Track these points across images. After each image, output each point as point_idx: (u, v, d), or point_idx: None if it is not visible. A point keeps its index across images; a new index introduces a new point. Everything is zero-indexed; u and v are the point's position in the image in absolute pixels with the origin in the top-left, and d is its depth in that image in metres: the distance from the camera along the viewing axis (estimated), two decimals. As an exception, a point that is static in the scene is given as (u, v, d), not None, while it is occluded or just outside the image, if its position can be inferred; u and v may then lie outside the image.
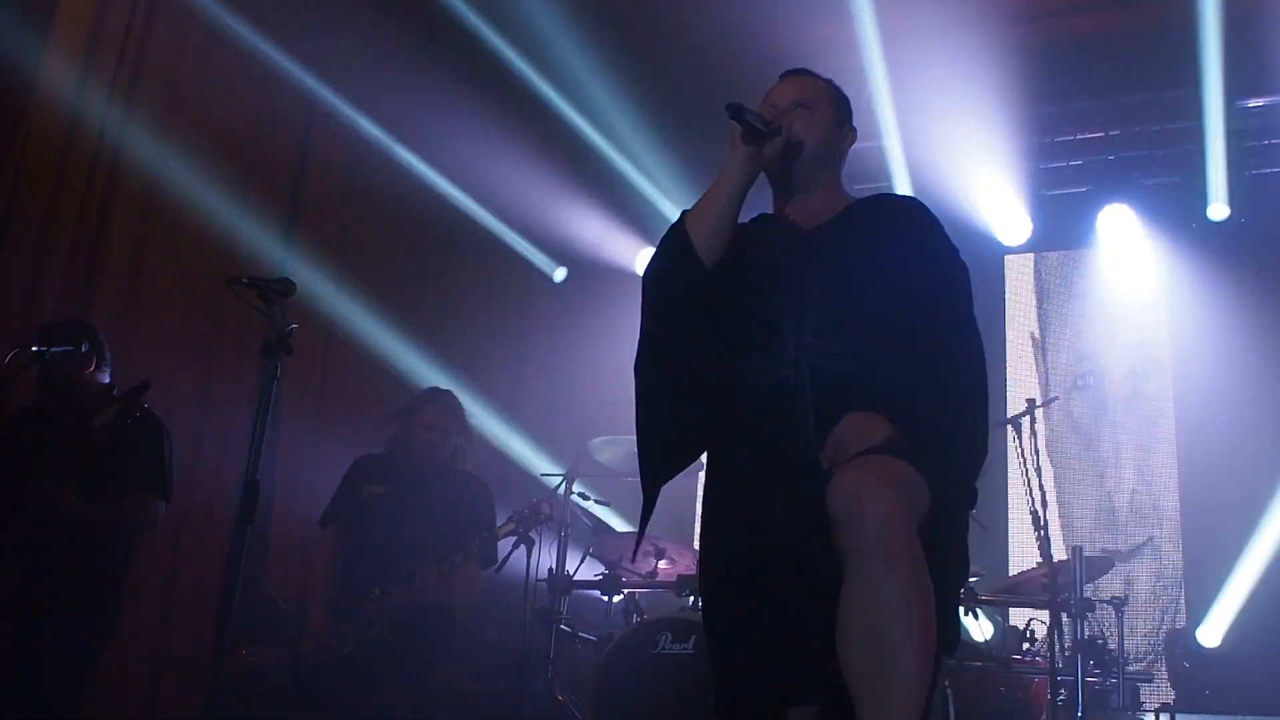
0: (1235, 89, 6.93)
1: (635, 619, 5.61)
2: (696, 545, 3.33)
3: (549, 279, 8.69)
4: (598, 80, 7.04)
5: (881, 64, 6.97)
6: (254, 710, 5.04)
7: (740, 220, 2.77)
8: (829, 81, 2.89)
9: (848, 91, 2.92)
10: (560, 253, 8.62)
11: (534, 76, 7.16)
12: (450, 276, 7.68)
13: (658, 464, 2.64)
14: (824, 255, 2.64)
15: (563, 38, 6.75)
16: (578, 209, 7.95)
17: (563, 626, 5.73)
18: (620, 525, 6.89)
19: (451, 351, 7.01)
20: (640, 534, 2.75)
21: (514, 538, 5.11)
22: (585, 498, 5.97)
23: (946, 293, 2.59)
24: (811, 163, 2.74)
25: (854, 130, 2.88)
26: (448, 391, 5.19)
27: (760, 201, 2.84)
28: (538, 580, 5.65)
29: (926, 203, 2.75)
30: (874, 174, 7.54)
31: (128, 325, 5.50)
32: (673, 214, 2.83)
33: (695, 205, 2.69)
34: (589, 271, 8.64)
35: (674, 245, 2.65)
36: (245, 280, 3.28)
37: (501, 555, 5.16)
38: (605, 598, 5.80)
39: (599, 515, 6.28)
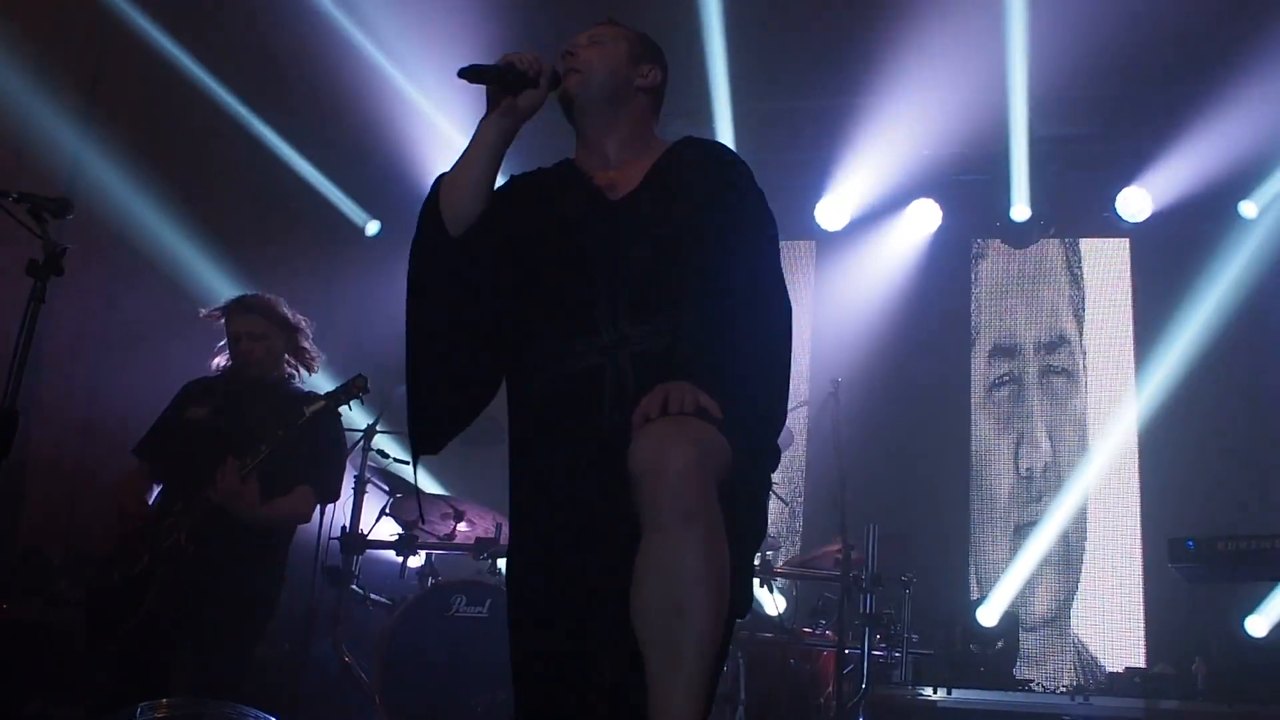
0: (1043, 93, 7.17)
1: (430, 581, 5.50)
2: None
3: (360, 231, 8.45)
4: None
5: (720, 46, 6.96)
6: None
7: (543, 166, 2.70)
8: (635, 30, 2.77)
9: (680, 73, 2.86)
10: (375, 205, 8.38)
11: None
12: (258, 206, 7.37)
13: (421, 435, 2.55)
14: (634, 230, 2.52)
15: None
16: (394, 160, 7.68)
17: (354, 587, 5.57)
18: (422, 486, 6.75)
19: (256, 278, 6.73)
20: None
21: (321, 410, 4.18)
22: (385, 455, 5.80)
23: (750, 249, 2.50)
24: (601, 101, 2.64)
25: (656, 69, 2.72)
26: (255, 295, 4.53)
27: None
28: (330, 538, 5.47)
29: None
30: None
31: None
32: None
33: (451, 168, 2.59)
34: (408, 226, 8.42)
35: (424, 213, 2.56)
36: (14, 196, 3.06)
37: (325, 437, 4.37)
38: (400, 559, 5.66)
39: (399, 474, 6.09)
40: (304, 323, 4.53)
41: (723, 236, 2.48)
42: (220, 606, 4.08)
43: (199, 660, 4.11)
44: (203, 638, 4.09)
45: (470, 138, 2.59)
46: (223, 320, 4.46)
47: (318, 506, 4.50)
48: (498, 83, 2.53)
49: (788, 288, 2.54)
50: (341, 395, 4.15)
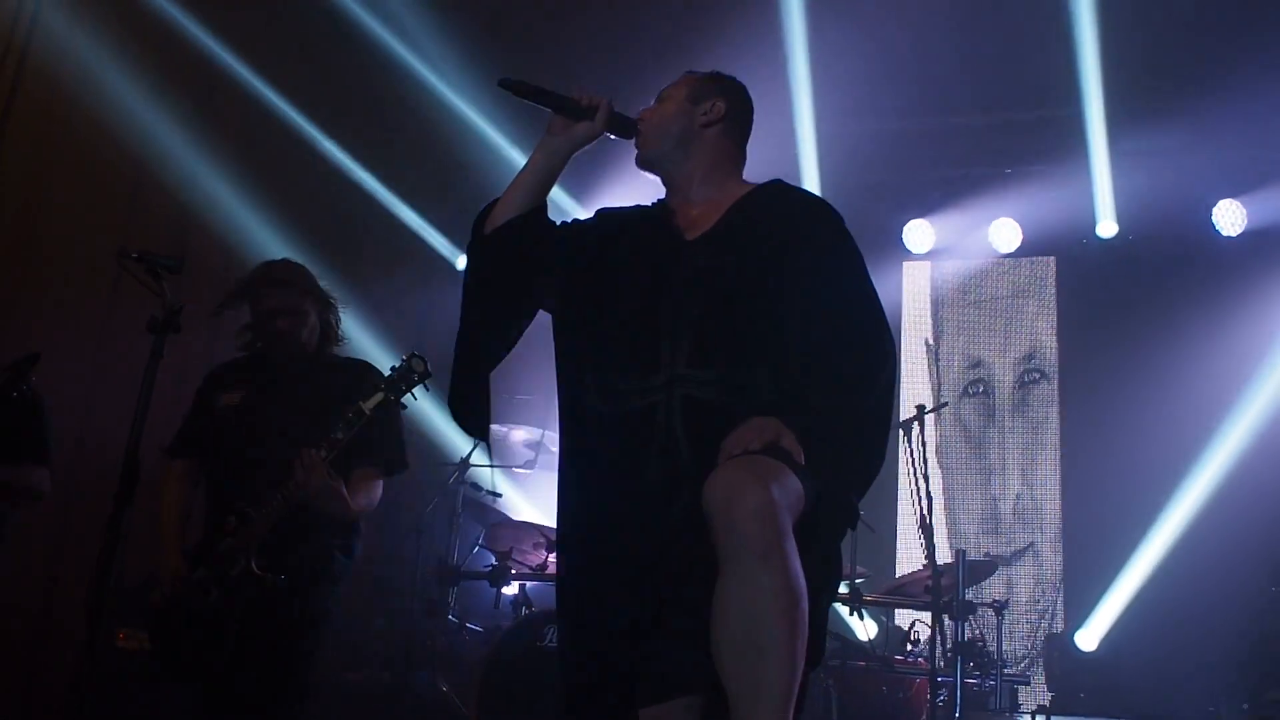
0: (1121, 108, 7.10)
1: (524, 611, 5.59)
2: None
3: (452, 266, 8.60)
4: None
5: (805, 68, 6.99)
6: (127, 696, 4.89)
7: (642, 203, 2.78)
8: (704, 72, 2.84)
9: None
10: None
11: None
12: (356, 244, 7.53)
13: (456, 414, 2.70)
14: (704, 274, 2.54)
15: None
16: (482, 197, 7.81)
17: (450, 618, 5.69)
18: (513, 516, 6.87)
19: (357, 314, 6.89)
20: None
21: (384, 404, 3.66)
22: (478, 489, 5.93)
23: (842, 297, 2.51)
24: (669, 151, 2.72)
25: (719, 102, 2.76)
26: (284, 261, 4.10)
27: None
28: (426, 570, 5.59)
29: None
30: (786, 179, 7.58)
31: (14, 292, 5.34)
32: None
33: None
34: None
35: (474, 222, 2.69)
36: (135, 255, 3.21)
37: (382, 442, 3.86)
38: (495, 589, 5.76)
39: (492, 506, 6.22)
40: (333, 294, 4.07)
41: (810, 285, 2.49)
42: (299, 628, 3.66)
43: (268, 685, 3.62)
44: (280, 663, 3.65)
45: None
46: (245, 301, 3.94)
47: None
48: (538, 100, 2.64)
49: (890, 335, 2.55)
50: (401, 383, 3.63)
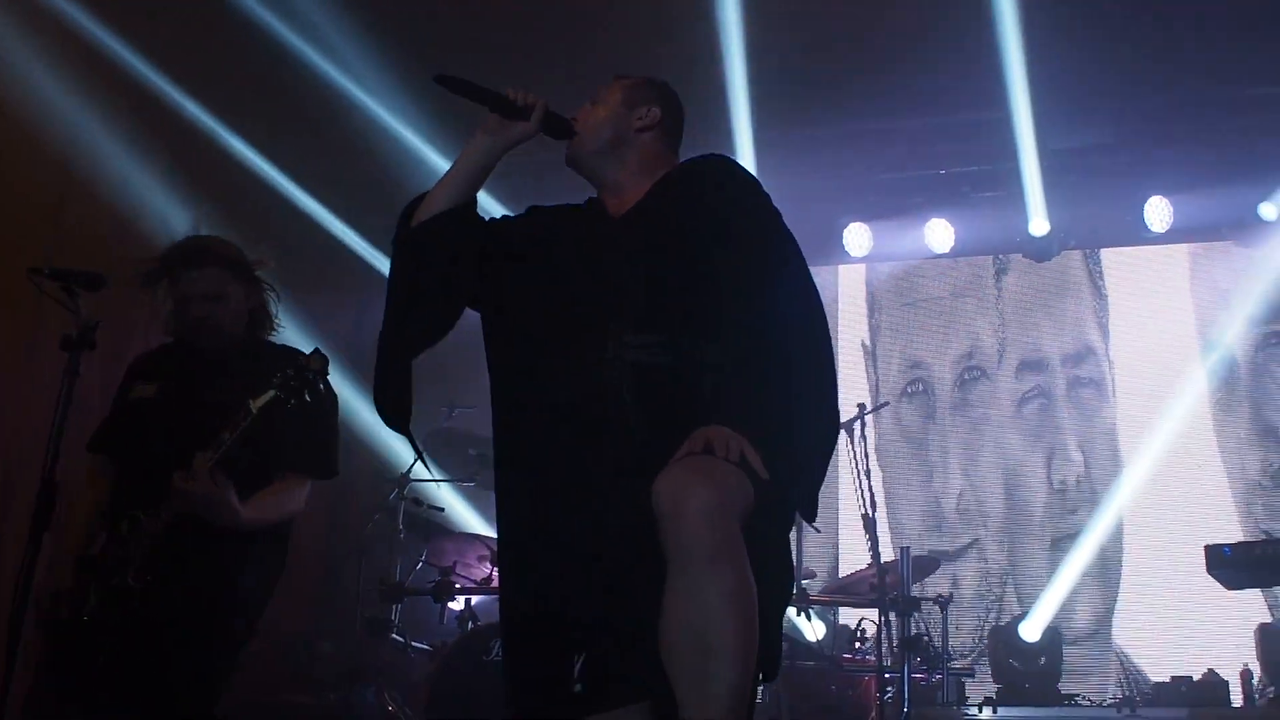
0: (1051, 109, 7.20)
1: (469, 625, 5.54)
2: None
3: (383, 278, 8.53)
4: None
5: (741, 72, 7.00)
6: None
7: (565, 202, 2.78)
8: (639, 77, 2.85)
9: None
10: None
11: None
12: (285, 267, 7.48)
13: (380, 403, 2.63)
14: (635, 241, 2.56)
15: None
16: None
17: (395, 635, 5.64)
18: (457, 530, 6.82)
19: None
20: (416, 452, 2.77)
21: (274, 402, 3.19)
22: (419, 504, 5.88)
23: (775, 271, 2.50)
24: (603, 153, 2.72)
25: (655, 107, 2.76)
26: (204, 238, 3.69)
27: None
28: (369, 588, 5.54)
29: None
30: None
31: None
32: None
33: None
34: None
35: (398, 223, 2.67)
36: (47, 272, 3.13)
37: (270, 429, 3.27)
38: (439, 605, 5.71)
39: (435, 521, 6.17)
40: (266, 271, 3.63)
41: (743, 254, 2.48)
42: (195, 652, 3.27)
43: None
44: (165, 689, 3.22)
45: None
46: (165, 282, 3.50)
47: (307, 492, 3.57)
48: (474, 97, 2.62)
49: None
50: (293, 380, 3.18)
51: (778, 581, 2.44)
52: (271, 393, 3.16)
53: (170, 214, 6.23)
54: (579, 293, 2.54)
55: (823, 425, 2.50)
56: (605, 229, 2.64)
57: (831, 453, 2.51)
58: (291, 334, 3.93)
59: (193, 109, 6.61)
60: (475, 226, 2.68)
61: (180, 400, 3.44)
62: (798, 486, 2.44)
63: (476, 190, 2.68)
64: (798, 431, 2.40)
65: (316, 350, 3.27)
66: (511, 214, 2.83)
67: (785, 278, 2.51)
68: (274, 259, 3.64)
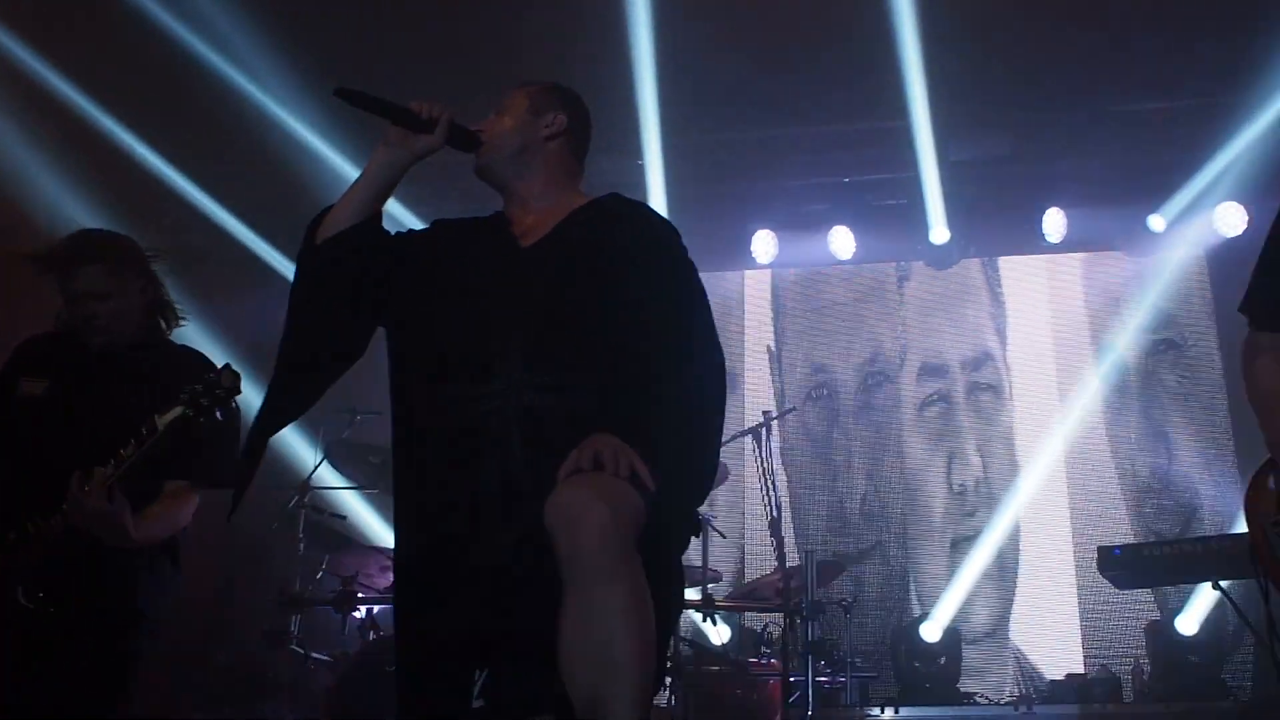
0: (951, 121, 7.34)
1: (371, 636, 5.46)
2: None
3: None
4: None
5: (650, 79, 7.00)
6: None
7: (479, 214, 2.74)
8: (542, 83, 2.82)
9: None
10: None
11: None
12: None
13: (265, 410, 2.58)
14: (538, 279, 2.52)
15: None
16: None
17: (295, 647, 5.53)
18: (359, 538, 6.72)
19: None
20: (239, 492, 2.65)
21: (183, 419, 3.05)
22: (320, 512, 5.77)
23: (677, 312, 2.52)
24: (509, 162, 2.69)
25: (561, 115, 2.74)
26: (98, 232, 3.46)
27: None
28: (268, 598, 5.43)
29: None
30: (631, 189, 7.59)
31: None
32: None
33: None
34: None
35: (303, 239, 2.62)
36: None
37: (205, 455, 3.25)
38: (340, 615, 5.62)
39: (337, 530, 6.07)
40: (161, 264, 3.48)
41: (649, 297, 2.49)
42: (90, 672, 3.14)
43: None
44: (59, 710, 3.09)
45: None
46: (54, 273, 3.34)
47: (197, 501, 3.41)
48: (377, 110, 2.58)
49: (721, 350, 2.56)
50: (202, 398, 3.03)
51: (670, 592, 2.45)
52: (179, 409, 3.03)
53: (64, 206, 6.06)
54: (476, 322, 2.50)
55: (709, 442, 2.51)
56: (510, 258, 2.59)
57: (715, 470, 2.53)
58: (193, 332, 3.78)
59: (87, 105, 6.46)
60: (381, 242, 2.62)
61: (72, 402, 3.28)
62: (687, 498, 2.47)
63: (382, 204, 2.64)
64: (686, 447, 2.42)
65: (228, 366, 3.12)
66: (416, 228, 2.78)
67: (695, 329, 2.53)
68: (167, 250, 3.53)
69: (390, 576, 5.73)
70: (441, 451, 2.46)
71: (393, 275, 2.61)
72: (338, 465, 6.01)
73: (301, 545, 5.69)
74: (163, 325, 3.46)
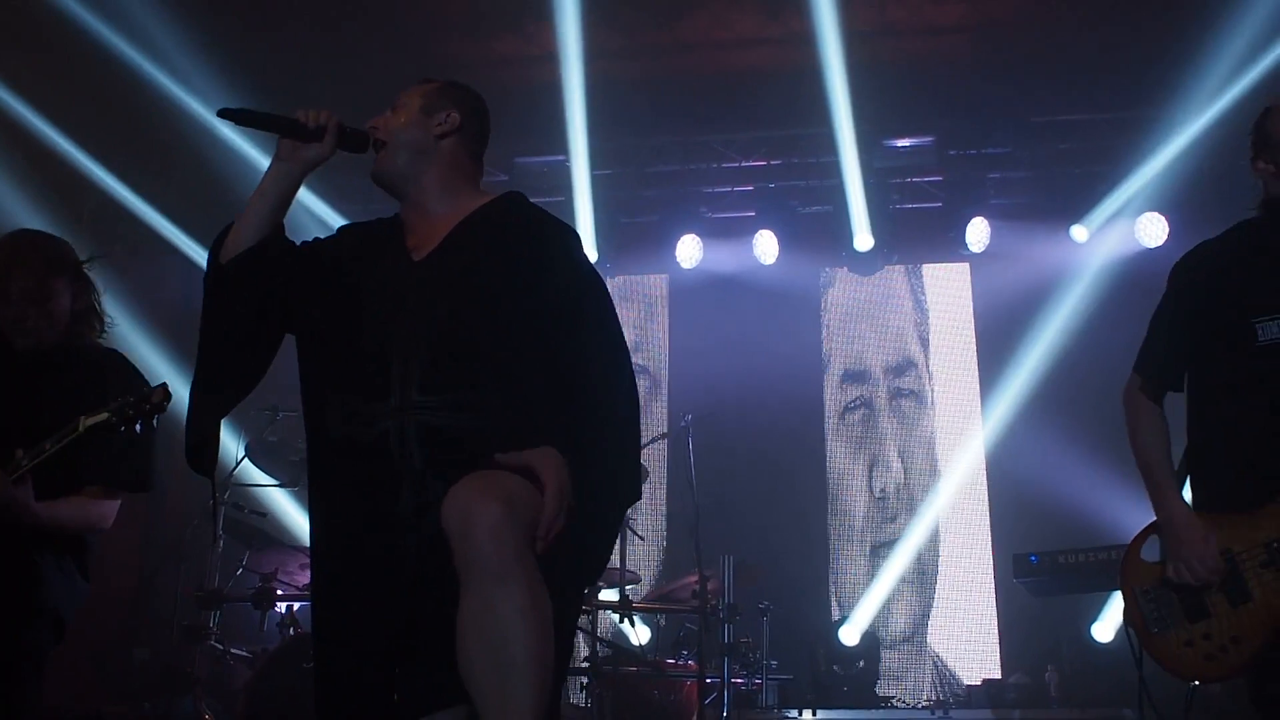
0: (876, 129, 7.44)
1: (290, 632, 5.45)
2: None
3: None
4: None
5: (578, 82, 7.02)
6: None
7: (383, 217, 2.74)
8: (438, 81, 2.80)
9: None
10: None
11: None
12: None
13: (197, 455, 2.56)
14: (432, 297, 2.50)
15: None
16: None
17: (214, 643, 5.51)
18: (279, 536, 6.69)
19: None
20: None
21: (105, 425, 3.09)
22: (240, 508, 5.76)
23: (581, 312, 2.53)
24: (406, 164, 2.66)
25: (454, 112, 2.71)
26: (34, 233, 3.46)
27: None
28: (187, 594, 5.40)
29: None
30: (559, 189, 7.63)
31: None
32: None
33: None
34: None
35: (208, 259, 2.60)
36: None
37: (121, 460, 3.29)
38: (259, 611, 5.61)
39: (256, 526, 6.05)
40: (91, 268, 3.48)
41: (552, 306, 2.50)
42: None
43: None
44: None
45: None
46: None
47: (116, 507, 3.39)
48: (261, 126, 2.56)
49: (626, 344, 2.59)
50: (130, 410, 3.07)
51: (570, 586, 2.49)
52: (106, 415, 3.06)
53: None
54: (374, 339, 2.49)
55: (630, 447, 2.56)
56: (405, 274, 2.57)
57: (638, 472, 2.58)
58: (115, 301, 3.76)
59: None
60: (284, 256, 2.60)
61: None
62: (612, 502, 2.53)
63: (281, 218, 2.61)
64: (607, 454, 2.47)
65: (163, 386, 3.13)
66: (322, 236, 2.78)
67: (603, 334, 2.55)
68: (101, 255, 3.52)
69: (309, 574, 5.73)
70: (350, 462, 2.47)
71: (298, 286, 2.60)
72: (259, 462, 5.98)
73: (221, 542, 5.65)
74: (90, 329, 3.44)
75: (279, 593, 5.57)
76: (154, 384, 3.18)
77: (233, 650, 5.64)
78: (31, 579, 3.20)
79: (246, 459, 5.93)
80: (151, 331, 7.07)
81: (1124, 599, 3.12)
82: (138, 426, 3.09)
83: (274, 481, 6.13)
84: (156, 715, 5.58)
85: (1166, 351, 3.13)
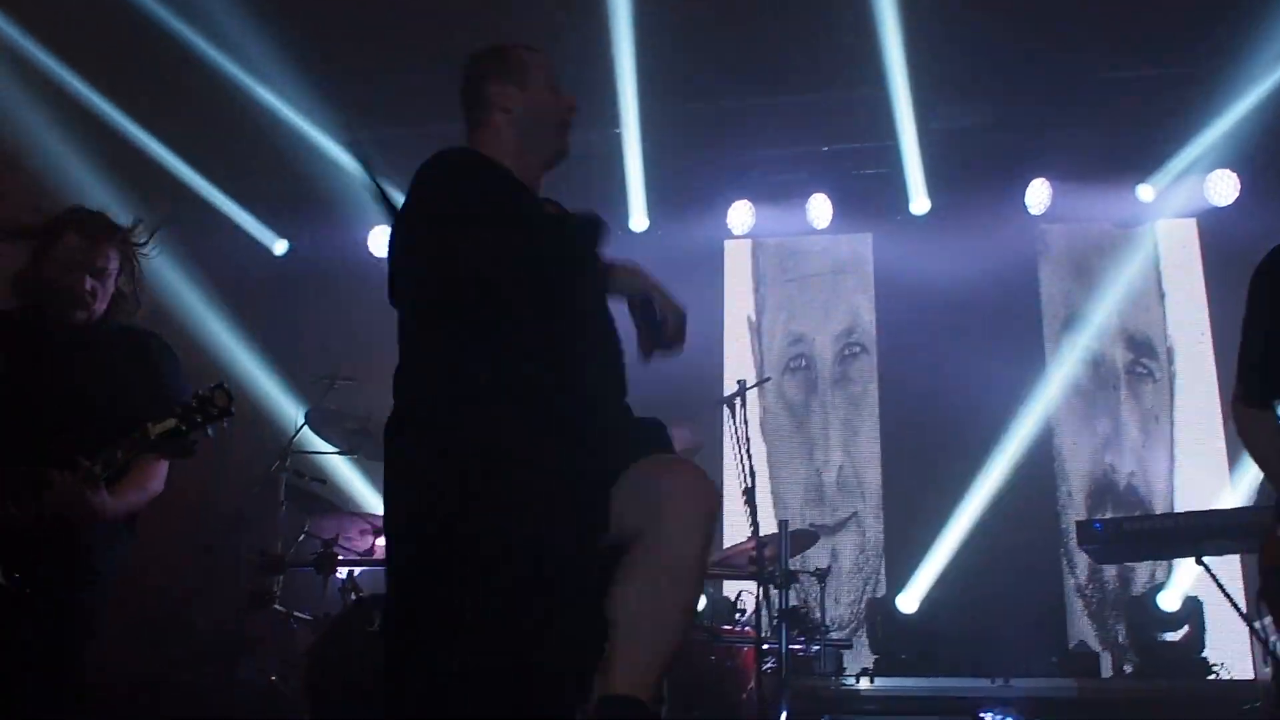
0: (933, 88, 7.33)
1: (352, 597, 5.51)
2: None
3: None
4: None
5: (629, 49, 6.99)
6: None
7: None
8: None
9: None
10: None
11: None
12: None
13: None
14: None
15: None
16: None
17: (277, 607, 5.59)
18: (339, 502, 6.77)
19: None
20: None
21: (174, 432, 3.24)
22: (300, 475, 5.82)
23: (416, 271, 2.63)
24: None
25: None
26: (98, 213, 3.50)
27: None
28: (250, 560, 5.48)
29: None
30: (609, 160, 7.62)
31: None
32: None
33: None
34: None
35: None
36: None
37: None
38: (321, 576, 5.67)
39: (317, 494, 6.12)
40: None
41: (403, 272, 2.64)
42: (57, 633, 3.24)
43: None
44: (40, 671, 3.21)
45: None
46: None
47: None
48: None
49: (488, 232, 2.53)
50: (198, 415, 3.20)
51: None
52: (173, 422, 3.19)
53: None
54: None
55: None
56: None
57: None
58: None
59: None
60: None
61: (33, 378, 3.33)
62: None
63: None
64: None
65: (224, 389, 3.25)
66: None
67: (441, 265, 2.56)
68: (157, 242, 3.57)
69: (370, 539, 5.80)
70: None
71: None
72: (318, 430, 6.05)
73: (283, 509, 5.73)
74: (130, 308, 3.51)
75: (340, 558, 5.64)
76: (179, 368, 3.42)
77: (296, 614, 5.72)
78: (84, 545, 3.29)
79: (306, 426, 5.99)
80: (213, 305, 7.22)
81: (1262, 579, 3.13)
82: (209, 430, 3.23)
83: (333, 449, 6.19)
84: (220, 679, 5.67)
85: (1261, 359, 3.13)
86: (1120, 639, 6.81)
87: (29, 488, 3.17)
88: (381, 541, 5.87)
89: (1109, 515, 6.99)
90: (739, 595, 6.02)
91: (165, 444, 3.24)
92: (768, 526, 5.55)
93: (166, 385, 3.42)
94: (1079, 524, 5.76)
